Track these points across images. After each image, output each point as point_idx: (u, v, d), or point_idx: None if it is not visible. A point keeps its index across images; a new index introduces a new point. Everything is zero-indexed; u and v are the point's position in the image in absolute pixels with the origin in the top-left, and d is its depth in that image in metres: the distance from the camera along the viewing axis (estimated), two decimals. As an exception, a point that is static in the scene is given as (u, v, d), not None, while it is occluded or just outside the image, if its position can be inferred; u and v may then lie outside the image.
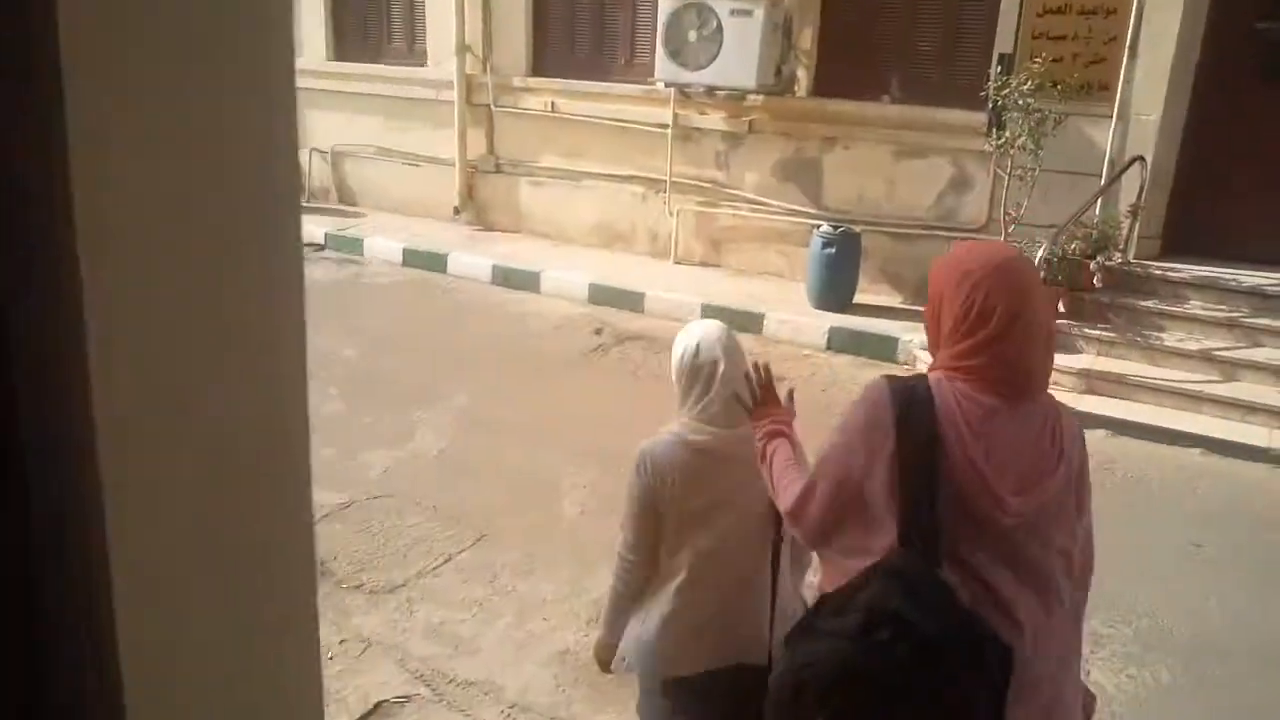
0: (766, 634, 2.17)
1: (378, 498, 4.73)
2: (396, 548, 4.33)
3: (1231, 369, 6.30)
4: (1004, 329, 1.60)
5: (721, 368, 2.19)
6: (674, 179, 8.79)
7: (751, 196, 8.59)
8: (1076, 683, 1.72)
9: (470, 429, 5.53)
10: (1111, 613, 4.11)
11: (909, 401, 1.62)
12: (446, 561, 4.25)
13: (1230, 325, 6.51)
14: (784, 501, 1.83)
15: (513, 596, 4.04)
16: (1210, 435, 5.86)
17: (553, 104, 9.27)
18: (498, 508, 4.65)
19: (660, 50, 8.15)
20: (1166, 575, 4.45)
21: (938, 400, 1.61)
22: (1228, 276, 6.82)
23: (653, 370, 6.65)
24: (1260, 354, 6.33)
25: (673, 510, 2.21)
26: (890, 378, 1.72)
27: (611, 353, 6.99)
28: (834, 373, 6.88)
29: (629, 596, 2.32)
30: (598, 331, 7.40)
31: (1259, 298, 6.65)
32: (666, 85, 8.43)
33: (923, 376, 1.69)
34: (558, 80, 9.23)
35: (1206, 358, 6.35)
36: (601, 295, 8.12)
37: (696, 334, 2.26)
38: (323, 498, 4.69)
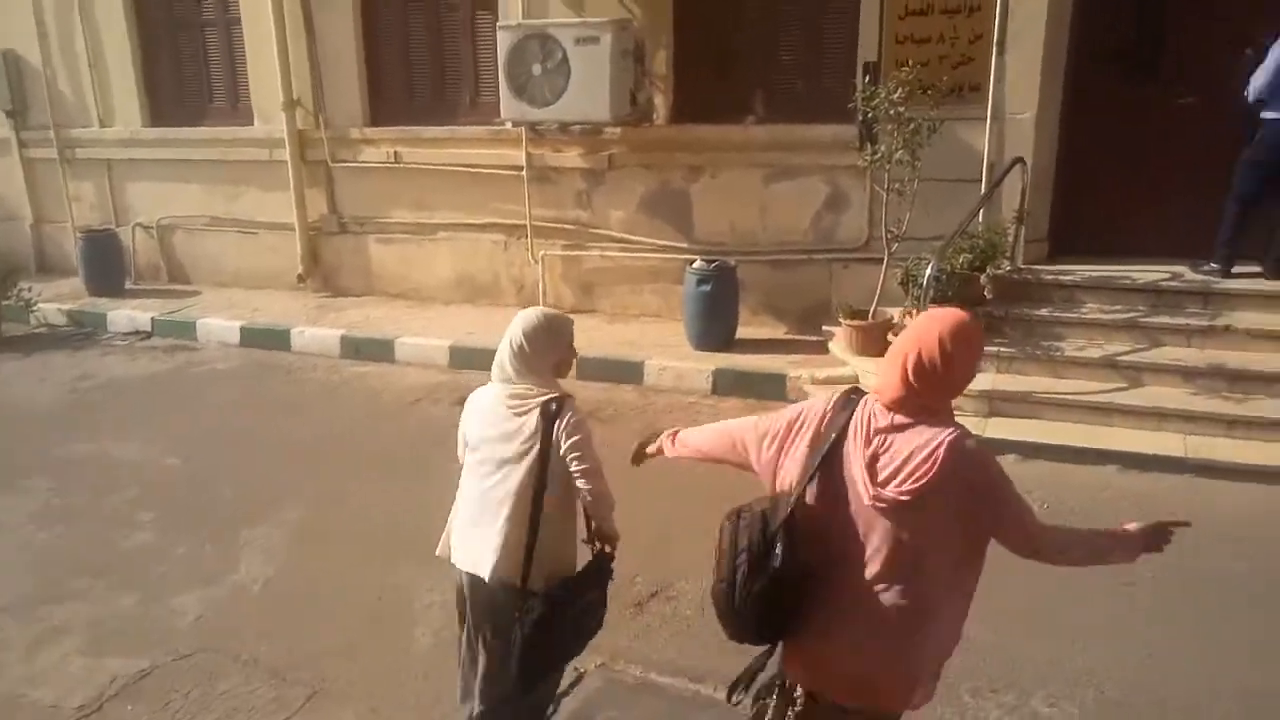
0: (508, 559, 2.73)
1: (186, 657, 3.87)
2: (205, 725, 3.50)
3: (1136, 374, 5.93)
4: (898, 362, 2.21)
5: (512, 341, 2.77)
6: (535, 223, 8.14)
7: (619, 235, 7.99)
8: (870, 623, 2.25)
9: (306, 548, 4.71)
10: (1051, 686, 3.57)
11: (841, 407, 2.31)
12: (268, 735, 3.44)
13: (1129, 326, 6.16)
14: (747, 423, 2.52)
15: (351, 775, 3.27)
16: (1125, 450, 5.46)
17: (395, 154, 8.52)
18: (336, 649, 3.85)
19: (504, 87, 7.49)
20: (1102, 627, 3.94)
21: (856, 412, 2.27)
22: (1120, 275, 6.50)
23: (524, 442, 5.94)
24: (1163, 355, 5.98)
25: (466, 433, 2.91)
26: (851, 389, 2.37)
27: (476, 427, 6.23)
28: (723, 419, 6.25)
29: None
30: (461, 402, 6.61)
31: (1154, 294, 6.34)
32: (515, 125, 7.79)
33: (862, 393, 2.34)
34: (398, 128, 8.50)
35: (1110, 364, 5.97)
36: (465, 358, 7.37)
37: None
38: (115, 666, 3.82)
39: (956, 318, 2.25)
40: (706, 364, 6.87)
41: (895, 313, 6.57)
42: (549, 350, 2.78)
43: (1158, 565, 4.25)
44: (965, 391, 5.84)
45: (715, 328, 7.19)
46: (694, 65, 7.64)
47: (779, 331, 7.55)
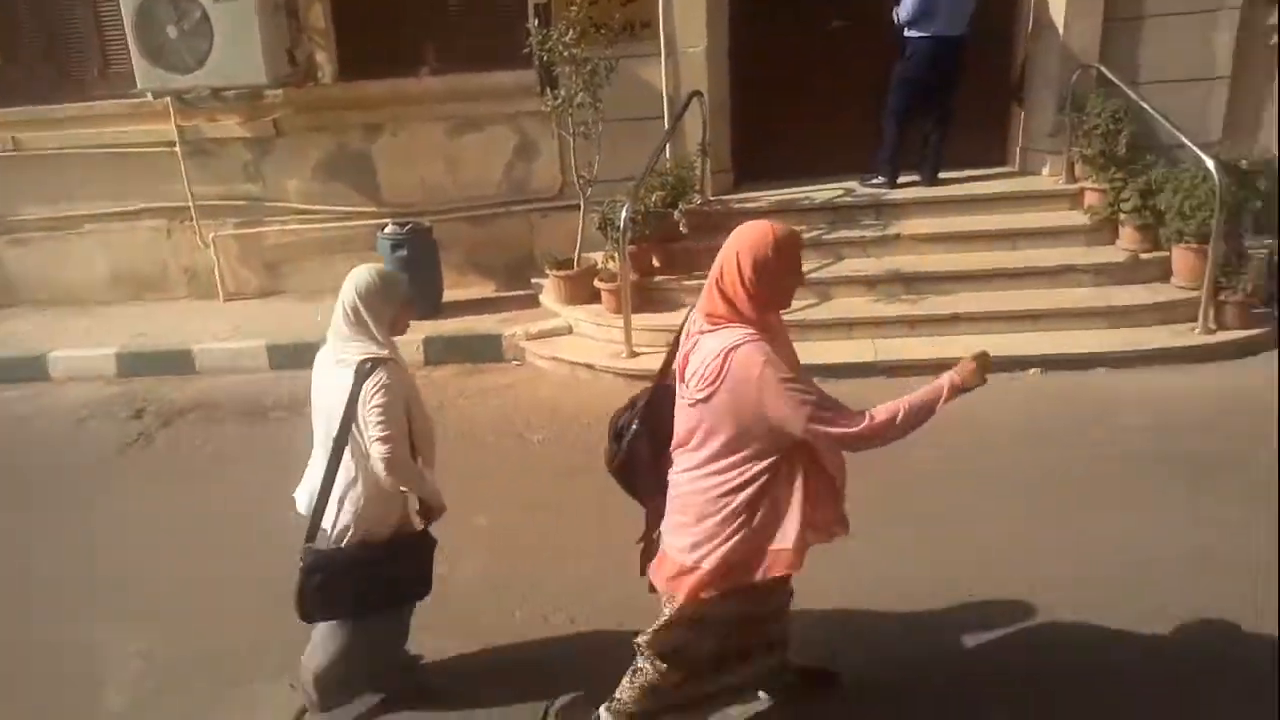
0: (321, 507, 2.80)
1: None
2: None
3: (825, 288, 6.27)
4: (711, 273, 2.40)
5: (344, 302, 2.76)
6: (199, 203, 7.33)
7: (299, 206, 7.37)
8: (692, 497, 2.48)
9: (-44, 616, 3.95)
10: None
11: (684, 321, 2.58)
12: None
13: (815, 244, 6.47)
14: None
15: None
16: (822, 362, 5.69)
17: (13, 139, 7.34)
18: (8, 733, 3.25)
19: (136, 54, 6.59)
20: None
21: (689, 317, 2.54)
22: (801, 196, 6.83)
23: (221, 448, 5.33)
24: (846, 267, 6.36)
25: None
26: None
27: (159, 439, 5.51)
28: (439, 389, 5.97)
29: None
30: (138, 414, 5.86)
31: (832, 211, 6.71)
32: (156, 95, 6.91)
33: None
34: (11, 109, 7.30)
35: (801, 283, 6.24)
36: (137, 364, 6.52)
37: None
38: None
39: (755, 236, 2.34)
40: (413, 333, 6.45)
41: (599, 257, 6.52)
42: (383, 308, 2.78)
43: (874, 460, 4.53)
44: (660, 327, 5.94)
45: (418, 295, 6.73)
46: (356, 18, 7.11)
47: (488, 289, 7.31)
